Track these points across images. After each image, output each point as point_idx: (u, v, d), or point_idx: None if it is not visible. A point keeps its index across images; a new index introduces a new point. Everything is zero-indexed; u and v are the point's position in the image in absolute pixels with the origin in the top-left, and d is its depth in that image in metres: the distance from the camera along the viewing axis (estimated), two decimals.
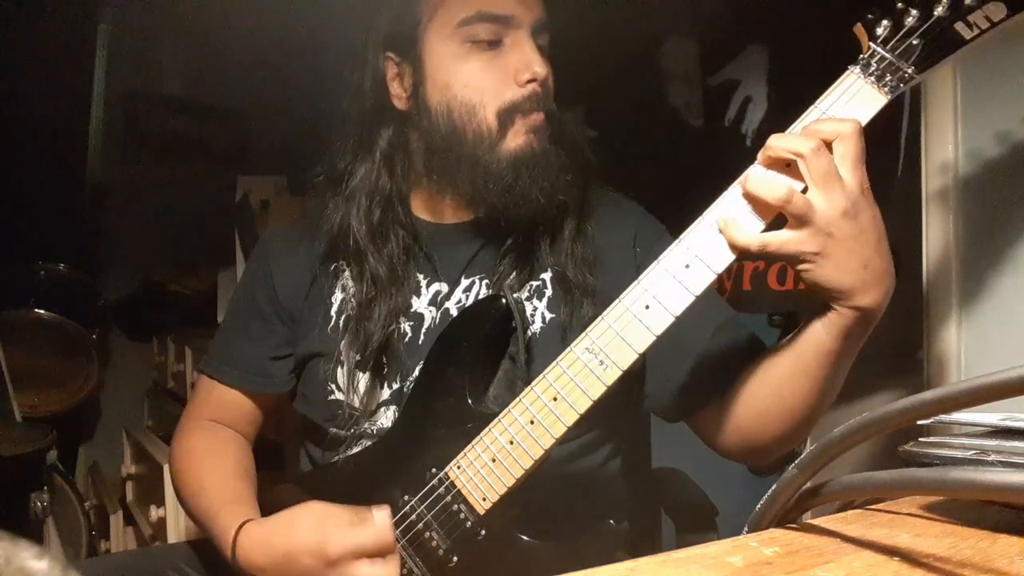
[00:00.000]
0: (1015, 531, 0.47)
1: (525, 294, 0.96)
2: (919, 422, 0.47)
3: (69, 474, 2.08)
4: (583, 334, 0.77)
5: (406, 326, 0.97)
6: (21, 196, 2.23)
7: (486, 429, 0.81)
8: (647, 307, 0.74)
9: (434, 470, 0.84)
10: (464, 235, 1.00)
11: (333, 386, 0.98)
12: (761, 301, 1.53)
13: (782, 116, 0.75)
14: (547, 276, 0.97)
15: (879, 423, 0.43)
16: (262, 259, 1.08)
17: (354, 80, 1.00)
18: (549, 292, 0.97)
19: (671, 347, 0.88)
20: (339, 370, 0.97)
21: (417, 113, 0.96)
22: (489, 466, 0.80)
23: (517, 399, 0.79)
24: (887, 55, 0.72)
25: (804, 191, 0.70)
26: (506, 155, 0.92)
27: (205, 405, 1.08)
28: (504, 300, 0.88)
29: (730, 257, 0.73)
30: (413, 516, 0.84)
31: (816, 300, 0.76)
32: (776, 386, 0.83)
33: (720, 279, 0.75)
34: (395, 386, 0.96)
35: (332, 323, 1.00)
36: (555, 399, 0.77)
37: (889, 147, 1.27)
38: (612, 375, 0.75)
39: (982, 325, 0.97)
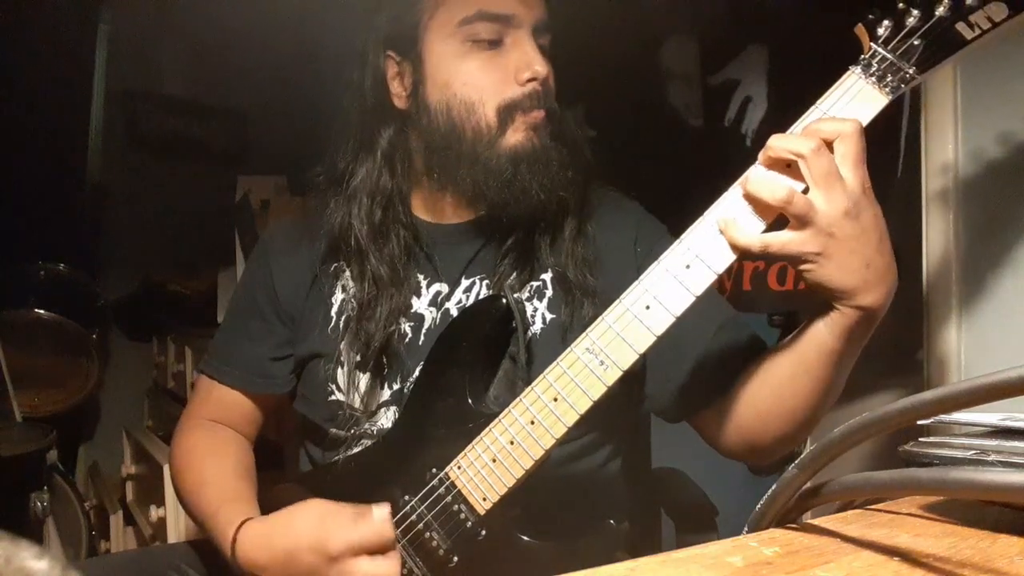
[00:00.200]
0: (1015, 531, 0.47)
1: (526, 294, 0.96)
2: (919, 422, 0.47)
3: (69, 474, 2.08)
4: (583, 334, 0.77)
5: (406, 326, 0.97)
6: (21, 196, 2.23)
7: (486, 429, 0.81)
8: (647, 307, 0.74)
9: (434, 470, 0.84)
10: (464, 235, 1.00)
11: (333, 387, 0.98)
12: (761, 301, 1.53)
13: (782, 116, 0.75)
14: (547, 276, 0.97)
15: (879, 423, 0.43)
16: (262, 259, 1.08)
17: (354, 79, 1.00)
18: (549, 292, 0.97)
19: (672, 347, 0.88)
20: (339, 371, 0.97)
21: (417, 112, 0.96)
22: (489, 466, 0.80)
23: (517, 399, 0.79)
24: (888, 55, 0.72)
25: (805, 191, 0.70)
26: (505, 151, 0.92)
27: (205, 405, 1.08)
28: (504, 300, 0.88)
29: (731, 257, 0.73)
30: (413, 516, 0.84)
31: (818, 300, 0.76)
32: (778, 386, 0.83)
33: (720, 279, 0.75)
34: (395, 387, 0.96)
35: (332, 323, 1.00)
36: (555, 399, 0.77)
37: (889, 147, 1.27)
38: (612, 375, 0.75)
39: (982, 325, 0.97)
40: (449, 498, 0.82)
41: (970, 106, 0.97)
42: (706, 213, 0.74)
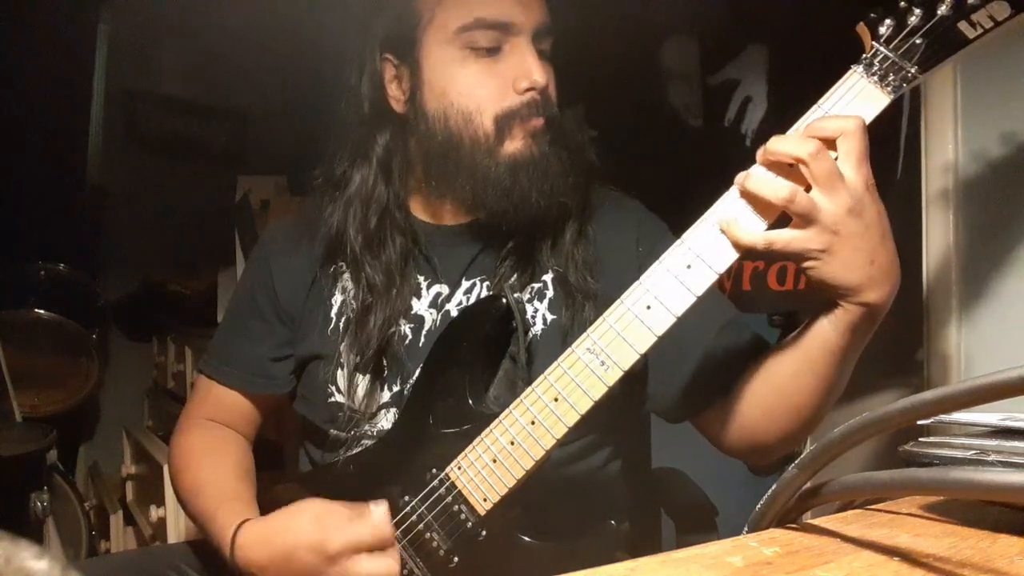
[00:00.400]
0: (1015, 531, 0.47)
1: (526, 296, 0.96)
2: (919, 422, 0.47)
3: (69, 474, 2.08)
4: (584, 334, 0.77)
5: (406, 328, 0.97)
6: (21, 196, 2.23)
7: (487, 429, 0.81)
8: (648, 307, 0.74)
9: (434, 470, 0.84)
10: (464, 237, 1.00)
11: (333, 388, 0.97)
12: (761, 301, 1.53)
13: (782, 116, 0.75)
14: (548, 278, 0.97)
15: (879, 423, 0.43)
16: (262, 259, 1.08)
17: (352, 82, 0.99)
18: (550, 294, 0.97)
19: (674, 347, 0.88)
20: (339, 372, 0.97)
21: (415, 117, 0.95)
22: (490, 467, 0.80)
23: (518, 399, 0.79)
24: (890, 54, 0.72)
25: (807, 189, 0.70)
26: (504, 159, 0.91)
27: (204, 405, 1.08)
28: (504, 300, 0.88)
29: (732, 257, 0.72)
30: (414, 517, 0.84)
31: (821, 297, 0.76)
32: (781, 384, 0.83)
33: (720, 280, 0.74)
34: (395, 388, 0.96)
35: (332, 325, 0.99)
36: (556, 399, 0.77)
37: (889, 147, 1.27)
38: (613, 375, 0.75)
39: (982, 325, 0.97)
40: (449, 498, 0.82)
41: (970, 106, 0.97)
42: (707, 213, 0.74)
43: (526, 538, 0.82)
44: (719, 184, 0.74)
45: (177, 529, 1.71)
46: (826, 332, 0.76)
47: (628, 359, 0.74)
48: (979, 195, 0.97)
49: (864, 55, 0.74)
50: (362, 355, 0.95)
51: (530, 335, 0.93)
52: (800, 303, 1.46)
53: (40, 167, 2.37)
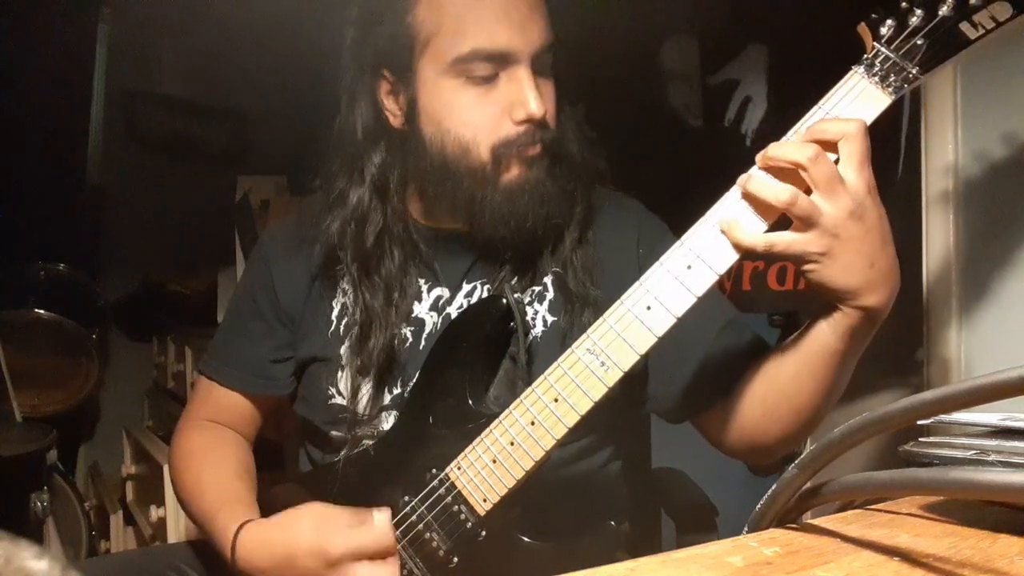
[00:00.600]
0: (1015, 531, 0.47)
1: (527, 298, 0.96)
2: (919, 422, 0.47)
3: (69, 474, 2.08)
4: (584, 335, 0.77)
5: (407, 332, 0.97)
6: (21, 196, 2.23)
7: (487, 430, 0.81)
8: (648, 308, 0.74)
9: (434, 471, 0.84)
10: (465, 240, 0.99)
11: (333, 390, 0.97)
12: (761, 301, 1.53)
13: (782, 116, 0.75)
14: (548, 280, 0.97)
15: (879, 423, 0.43)
16: (262, 260, 1.08)
17: (348, 95, 0.97)
18: (550, 295, 0.96)
19: (675, 348, 0.88)
20: (340, 375, 0.97)
21: (412, 136, 0.94)
22: (490, 467, 0.80)
23: (518, 400, 0.79)
24: (891, 55, 0.72)
25: (808, 192, 0.70)
26: (501, 188, 0.90)
27: (204, 406, 1.08)
28: (504, 300, 0.88)
29: (733, 258, 0.72)
30: (413, 517, 0.84)
31: (821, 300, 0.76)
32: (781, 386, 0.83)
33: (720, 280, 0.74)
34: (396, 391, 0.96)
35: (333, 327, 0.99)
36: (556, 400, 0.77)
37: (889, 147, 1.27)
38: (613, 376, 0.75)
39: (982, 325, 0.97)
40: (449, 499, 0.82)
41: (970, 106, 0.97)
42: (708, 214, 0.74)
43: (526, 538, 0.82)
44: (719, 184, 0.74)
45: (177, 529, 1.71)
46: (825, 336, 0.76)
47: (628, 360, 0.74)
48: (979, 196, 0.97)
49: (865, 55, 0.74)
50: (363, 358, 0.95)
51: (530, 337, 0.93)
52: (800, 303, 1.46)
53: (40, 167, 2.37)
